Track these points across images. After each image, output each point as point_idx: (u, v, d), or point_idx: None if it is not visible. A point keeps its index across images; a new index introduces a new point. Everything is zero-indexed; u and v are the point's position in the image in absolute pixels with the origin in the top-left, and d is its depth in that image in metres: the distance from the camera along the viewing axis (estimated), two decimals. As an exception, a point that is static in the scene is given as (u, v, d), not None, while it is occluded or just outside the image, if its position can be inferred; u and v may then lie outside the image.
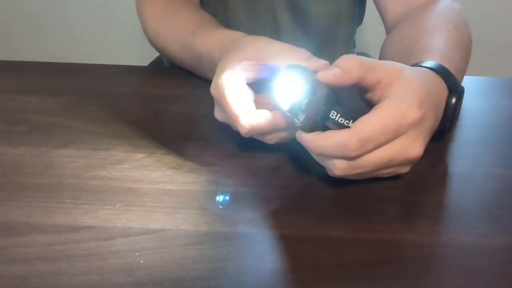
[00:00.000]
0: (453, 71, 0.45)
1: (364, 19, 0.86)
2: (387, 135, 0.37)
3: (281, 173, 0.43)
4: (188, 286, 0.32)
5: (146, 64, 0.87)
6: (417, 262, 0.34)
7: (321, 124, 0.38)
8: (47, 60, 0.65)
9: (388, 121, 0.36)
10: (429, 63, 0.44)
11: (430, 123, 0.40)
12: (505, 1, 1.44)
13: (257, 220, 0.38)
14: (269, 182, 0.42)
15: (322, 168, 0.40)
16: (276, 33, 0.74)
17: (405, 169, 0.40)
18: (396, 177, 0.41)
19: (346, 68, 0.38)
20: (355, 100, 0.42)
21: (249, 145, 0.44)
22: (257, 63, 0.43)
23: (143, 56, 0.93)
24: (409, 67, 0.41)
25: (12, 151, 0.47)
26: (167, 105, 0.54)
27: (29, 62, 0.65)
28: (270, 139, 0.43)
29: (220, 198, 0.41)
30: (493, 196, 0.41)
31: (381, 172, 0.40)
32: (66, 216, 0.39)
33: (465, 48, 0.52)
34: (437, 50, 0.48)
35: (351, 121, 0.37)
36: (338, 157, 0.37)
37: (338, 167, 0.38)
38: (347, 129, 0.37)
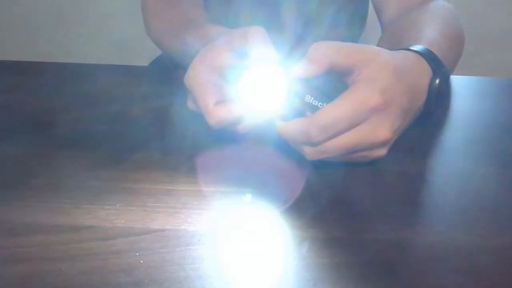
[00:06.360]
0: (439, 55, 0.46)
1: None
2: (347, 122, 0.38)
3: (281, 173, 0.43)
4: (188, 286, 0.32)
5: (146, 64, 0.87)
6: (417, 262, 0.34)
7: (298, 112, 0.40)
8: (47, 60, 0.65)
9: (346, 108, 0.38)
10: (415, 46, 0.46)
11: (401, 106, 0.40)
12: (506, 1, 1.45)
13: (257, 220, 0.38)
14: (269, 182, 0.42)
15: (322, 168, 0.40)
16: (280, 33, 0.75)
17: (378, 153, 0.41)
18: (396, 177, 0.41)
19: (315, 59, 0.39)
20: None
21: (250, 145, 0.44)
22: (223, 49, 0.44)
23: (143, 56, 0.93)
24: (388, 51, 0.42)
25: (12, 151, 0.47)
26: (168, 105, 0.54)
27: (29, 62, 0.65)
28: (241, 129, 0.43)
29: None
30: (492, 196, 0.41)
31: (353, 156, 0.41)
32: (67, 216, 0.39)
33: (453, 39, 0.54)
34: (423, 37, 0.50)
35: (324, 103, 0.39)
36: (304, 144, 0.40)
37: (307, 153, 0.40)
38: (309, 117, 0.39)
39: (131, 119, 0.51)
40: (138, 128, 0.50)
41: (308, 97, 0.40)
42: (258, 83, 0.40)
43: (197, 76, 0.43)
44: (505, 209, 0.39)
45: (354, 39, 0.80)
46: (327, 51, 0.40)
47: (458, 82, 0.61)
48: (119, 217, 0.38)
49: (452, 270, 0.34)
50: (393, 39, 0.55)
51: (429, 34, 0.52)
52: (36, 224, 0.38)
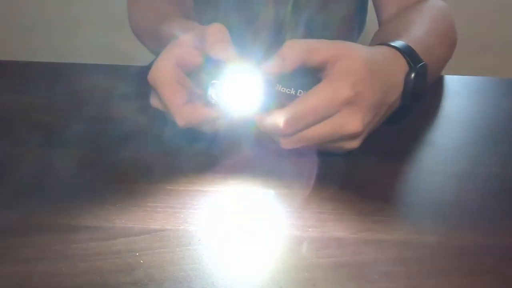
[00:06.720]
0: (420, 51, 0.46)
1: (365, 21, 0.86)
2: (317, 115, 0.39)
3: (281, 173, 0.43)
4: (188, 286, 0.32)
5: (146, 64, 0.87)
6: (417, 262, 0.34)
7: (272, 103, 0.41)
8: (47, 60, 0.65)
9: (316, 101, 0.39)
10: (394, 42, 0.47)
11: (372, 99, 0.41)
12: (505, 1, 1.45)
13: (257, 220, 0.38)
14: (269, 182, 0.42)
15: (322, 168, 0.40)
16: (256, 35, 0.75)
17: (350, 145, 0.42)
18: (395, 177, 0.41)
19: (286, 56, 0.40)
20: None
21: (250, 145, 0.44)
22: (187, 47, 0.43)
23: (143, 56, 0.93)
24: (363, 46, 0.43)
25: (12, 151, 0.47)
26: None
27: (30, 62, 0.65)
28: (207, 129, 0.44)
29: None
30: (493, 196, 0.41)
31: (326, 146, 0.42)
32: (66, 216, 0.39)
33: (441, 37, 0.55)
34: (406, 34, 0.51)
35: (292, 89, 0.41)
36: (278, 135, 0.41)
37: (281, 142, 0.42)
38: (281, 110, 0.40)
39: (131, 119, 0.51)
40: (138, 127, 0.50)
41: (278, 85, 0.41)
42: (228, 82, 0.41)
43: (163, 74, 0.42)
44: (505, 209, 0.39)
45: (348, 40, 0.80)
46: (298, 49, 0.40)
47: (458, 82, 0.61)
48: (119, 217, 0.38)
49: (452, 270, 0.34)
50: (381, 37, 0.56)
51: (413, 31, 0.52)
52: (36, 224, 0.38)
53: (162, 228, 0.37)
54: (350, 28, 0.79)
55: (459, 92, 0.59)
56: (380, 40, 0.51)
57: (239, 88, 0.41)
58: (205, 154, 0.46)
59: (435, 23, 0.55)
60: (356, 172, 0.43)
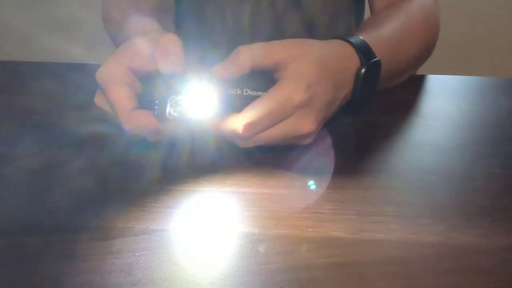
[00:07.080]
0: (383, 48, 0.48)
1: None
2: (273, 118, 0.41)
3: (281, 173, 0.43)
4: (188, 286, 0.32)
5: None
6: (417, 262, 0.34)
7: (225, 107, 0.42)
8: (47, 60, 0.65)
9: (272, 105, 0.40)
10: (351, 37, 0.48)
11: (324, 99, 0.43)
12: (505, 1, 1.45)
13: (257, 220, 0.38)
14: (269, 182, 0.42)
15: (321, 168, 0.40)
16: (277, 30, 0.75)
17: (305, 142, 0.44)
18: (395, 178, 0.41)
19: (237, 62, 0.41)
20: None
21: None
22: (140, 51, 0.41)
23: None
24: (317, 43, 0.44)
25: (13, 151, 0.47)
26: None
27: (30, 62, 0.65)
28: (151, 137, 0.43)
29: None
30: (493, 196, 0.41)
31: (281, 144, 0.44)
32: (67, 216, 0.39)
33: (412, 34, 0.56)
34: (371, 29, 0.52)
35: (238, 89, 0.42)
36: (235, 139, 0.43)
37: (239, 143, 0.43)
38: (237, 115, 0.41)
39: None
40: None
41: (234, 90, 0.42)
42: (186, 96, 0.41)
43: (113, 74, 0.41)
44: (505, 209, 0.39)
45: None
46: (248, 54, 0.41)
47: (458, 82, 0.61)
48: (118, 217, 0.38)
49: (452, 270, 0.34)
50: (357, 32, 0.57)
51: (381, 27, 0.53)
52: (36, 224, 0.38)
53: (161, 228, 0.37)
54: (343, 25, 0.78)
55: (459, 92, 0.59)
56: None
57: (197, 100, 0.41)
58: (205, 154, 0.46)
59: (407, 18, 0.56)
60: (356, 172, 0.43)
